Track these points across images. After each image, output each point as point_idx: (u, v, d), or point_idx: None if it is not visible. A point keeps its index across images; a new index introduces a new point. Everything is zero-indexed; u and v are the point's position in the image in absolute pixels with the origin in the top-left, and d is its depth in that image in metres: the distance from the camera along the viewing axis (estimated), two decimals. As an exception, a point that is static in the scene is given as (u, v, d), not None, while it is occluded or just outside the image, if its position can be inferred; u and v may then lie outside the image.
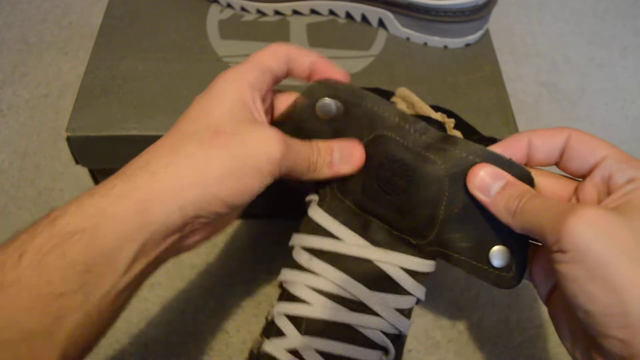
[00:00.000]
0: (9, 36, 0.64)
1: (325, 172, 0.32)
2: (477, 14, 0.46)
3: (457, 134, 0.34)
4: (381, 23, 0.49)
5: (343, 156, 0.32)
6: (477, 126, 0.42)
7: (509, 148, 0.30)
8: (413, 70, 0.46)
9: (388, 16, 0.48)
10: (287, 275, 0.34)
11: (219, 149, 0.27)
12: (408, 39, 0.48)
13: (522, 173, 0.29)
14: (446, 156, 0.29)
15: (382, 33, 0.49)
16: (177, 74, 0.45)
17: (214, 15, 0.50)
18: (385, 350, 0.33)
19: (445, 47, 0.48)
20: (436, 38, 0.47)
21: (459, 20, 0.46)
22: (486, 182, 0.29)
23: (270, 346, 0.33)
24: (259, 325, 0.44)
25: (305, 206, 0.35)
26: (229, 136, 0.28)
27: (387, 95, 0.36)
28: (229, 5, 0.50)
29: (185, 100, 0.42)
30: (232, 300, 0.46)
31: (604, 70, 0.65)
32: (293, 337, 0.32)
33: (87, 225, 0.24)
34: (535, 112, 0.61)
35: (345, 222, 0.32)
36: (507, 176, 0.29)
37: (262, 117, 0.30)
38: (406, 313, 0.33)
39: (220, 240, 0.49)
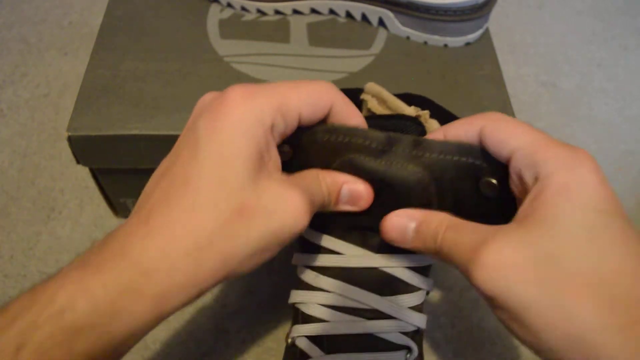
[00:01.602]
0: (9, 36, 0.64)
1: (329, 209, 0.29)
2: (477, 13, 0.46)
3: (435, 123, 0.33)
4: (381, 22, 0.49)
5: (352, 197, 0.29)
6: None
7: None
8: (413, 69, 0.46)
9: (388, 15, 0.48)
10: (298, 296, 0.33)
11: (245, 230, 0.24)
12: (408, 38, 0.48)
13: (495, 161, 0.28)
14: (424, 162, 0.29)
15: (382, 32, 0.49)
16: (177, 73, 0.45)
17: (214, 14, 0.50)
18: (408, 348, 0.33)
19: (446, 45, 0.48)
20: (436, 37, 0.47)
21: (459, 19, 0.46)
22: (395, 234, 0.29)
23: None
24: (259, 325, 0.44)
25: None
26: (254, 212, 0.24)
27: (355, 92, 0.35)
28: (229, 5, 0.50)
29: (186, 100, 0.42)
30: (232, 300, 0.45)
31: (604, 70, 0.65)
32: (318, 357, 0.32)
33: (98, 321, 0.22)
34: (535, 112, 0.61)
35: (342, 237, 0.32)
36: (416, 215, 0.28)
37: (278, 166, 0.27)
38: (419, 308, 0.33)
39: (220, 240, 0.49)
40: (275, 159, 0.26)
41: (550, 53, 0.67)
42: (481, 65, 0.46)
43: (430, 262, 0.33)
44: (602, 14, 0.72)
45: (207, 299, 0.45)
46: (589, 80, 0.64)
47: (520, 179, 0.25)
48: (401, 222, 0.28)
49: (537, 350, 0.23)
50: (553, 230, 0.22)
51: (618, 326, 0.21)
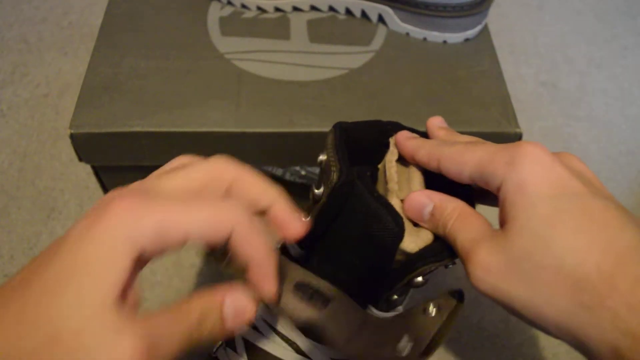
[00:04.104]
0: (9, 36, 0.64)
1: (216, 335, 0.24)
2: (476, 9, 0.46)
3: (417, 174, 0.32)
4: (381, 18, 0.49)
5: (237, 311, 0.25)
6: (477, 120, 0.42)
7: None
8: (413, 65, 0.46)
9: (387, 12, 0.48)
10: None
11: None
12: (408, 34, 0.49)
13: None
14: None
15: (381, 28, 0.49)
16: (178, 70, 0.45)
17: (215, 12, 0.50)
18: None
19: (445, 42, 0.48)
20: (435, 33, 0.47)
21: (458, 15, 0.46)
22: (413, 213, 0.29)
23: None
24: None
25: None
26: (69, 349, 0.20)
27: (385, 126, 0.33)
28: (229, 3, 0.50)
29: (186, 97, 0.43)
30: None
31: (604, 70, 0.65)
32: None
33: None
34: (535, 112, 0.61)
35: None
36: (435, 198, 0.29)
37: (136, 301, 0.23)
38: None
39: (220, 239, 0.49)
40: (134, 294, 0.23)
41: (550, 53, 0.67)
42: (480, 61, 0.47)
43: None
44: (602, 14, 0.72)
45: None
46: (589, 80, 0.64)
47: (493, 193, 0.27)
48: (420, 201, 0.29)
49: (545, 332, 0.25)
50: (520, 231, 0.24)
51: (588, 306, 0.22)
